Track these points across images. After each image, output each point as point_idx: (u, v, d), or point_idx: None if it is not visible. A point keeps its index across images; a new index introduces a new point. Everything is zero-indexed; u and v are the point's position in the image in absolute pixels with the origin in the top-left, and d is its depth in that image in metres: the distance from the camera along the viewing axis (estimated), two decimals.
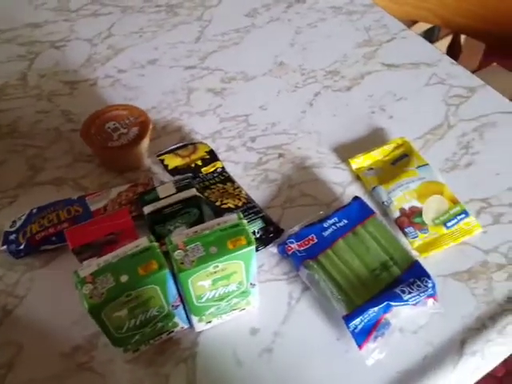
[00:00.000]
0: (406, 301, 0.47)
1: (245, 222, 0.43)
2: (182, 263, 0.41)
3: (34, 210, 0.58)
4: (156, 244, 0.42)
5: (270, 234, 0.56)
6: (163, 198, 0.51)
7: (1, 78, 0.76)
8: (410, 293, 0.47)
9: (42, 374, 0.48)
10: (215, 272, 0.42)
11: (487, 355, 0.48)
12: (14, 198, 0.62)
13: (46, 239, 0.55)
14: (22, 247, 0.55)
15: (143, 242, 0.42)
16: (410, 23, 0.93)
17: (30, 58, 0.79)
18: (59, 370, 0.48)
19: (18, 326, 0.51)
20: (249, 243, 0.42)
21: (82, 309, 0.50)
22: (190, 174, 0.56)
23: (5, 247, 0.56)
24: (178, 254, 0.41)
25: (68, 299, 0.51)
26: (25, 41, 0.82)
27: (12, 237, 0.57)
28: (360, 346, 0.46)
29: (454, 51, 1.05)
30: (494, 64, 1.05)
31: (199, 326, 0.48)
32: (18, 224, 0.58)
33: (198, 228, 0.43)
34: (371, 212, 0.54)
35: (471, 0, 0.93)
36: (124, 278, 0.40)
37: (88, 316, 0.50)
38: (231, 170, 0.63)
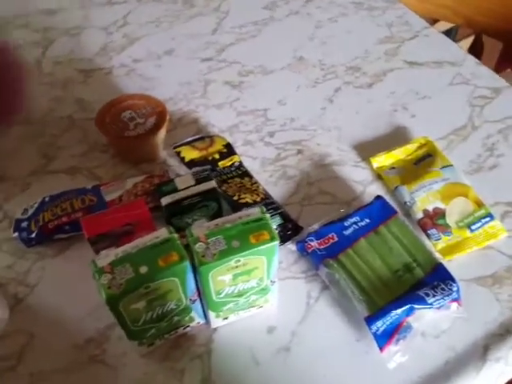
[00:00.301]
0: (430, 304, 0.46)
1: (268, 216, 0.43)
2: (204, 256, 0.40)
3: (47, 198, 0.58)
4: (176, 235, 0.42)
5: (288, 231, 0.55)
6: (181, 190, 0.50)
7: None
8: (434, 296, 0.46)
9: (53, 365, 0.48)
10: (236, 266, 0.42)
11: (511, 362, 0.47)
12: (27, 186, 0.62)
13: (58, 228, 0.55)
14: (33, 235, 0.55)
15: (163, 233, 0.42)
16: (430, 23, 0.92)
17: (45, 45, 0.79)
18: (70, 361, 0.48)
19: (29, 315, 0.51)
20: (272, 238, 0.41)
21: (96, 300, 0.49)
22: (209, 166, 0.56)
23: (16, 234, 0.56)
24: (199, 247, 0.41)
25: (81, 290, 0.51)
26: (39, 27, 0.82)
27: (24, 224, 0.56)
28: (381, 348, 0.45)
29: (475, 52, 1.04)
30: (508, 70, 1.05)
31: (216, 321, 0.48)
32: (30, 212, 0.57)
33: (219, 221, 0.42)
34: (394, 212, 0.54)
35: None
36: (143, 269, 0.40)
37: (101, 308, 0.49)
38: (248, 164, 0.63)
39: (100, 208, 0.55)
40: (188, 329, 0.48)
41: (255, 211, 0.43)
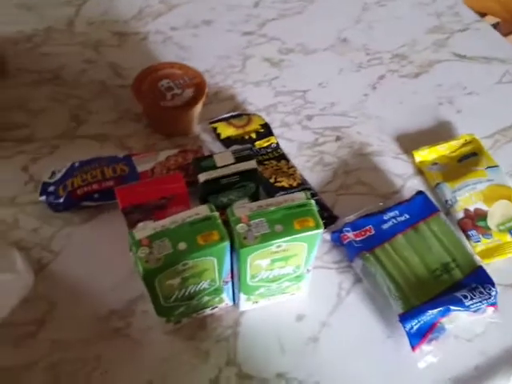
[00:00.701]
0: (468, 307, 0.46)
1: (313, 202, 0.42)
2: (245, 238, 0.40)
3: (77, 164, 0.57)
4: (217, 214, 0.41)
5: (323, 220, 0.54)
6: (220, 167, 0.50)
7: (46, 21, 0.75)
8: (472, 299, 0.46)
9: (75, 335, 0.48)
10: (277, 252, 0.41)
11: None
12: (54, 149, 0.62)
13: (88, 195, 0.54)
14: (61, 200, 0.55)
15: (203, 210, 0.41)
16: None
17: (78, 4, 0.77)
18: (93, 332, 0.48)
19: (52, 282, 0.51)
20: (317, 225, 0.41)
21: (121, 272, 0.50)
22: (250, 145, 0.55)
23: (43, 198, 0.55)
24: (241, 228, 0.40)
25: (106, 260, 0.51)
26: None
27: (51, 188, 0.56)
28: (414, 347, 0.45)
29: None
30: None
31: (245, 305, 0.48)
32: (58, 176, 0.57)
33: (262, 203, 0.42)
34: (435, 209, 0.53)
35: None
36: (182, 246, 0.39)
37: (126, 280, 0.50)
38: (285, 147, 0.62)
39: (132, 178, 0.55)
40: (216, 310, 0.48)
41: (300, 196, 0.42)
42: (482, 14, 1.09)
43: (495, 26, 1.29)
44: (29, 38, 0.72)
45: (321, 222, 0.41)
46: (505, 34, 1.23)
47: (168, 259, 0.39)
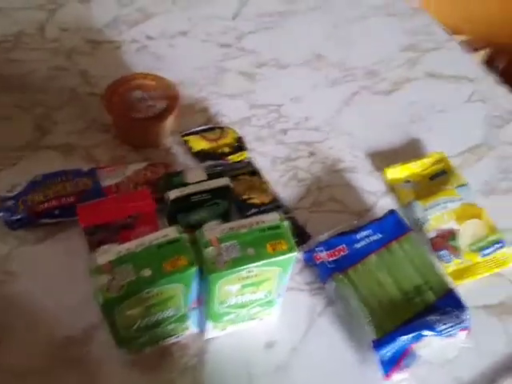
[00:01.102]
0: (440, 332, 0.43)
1: (287, 224, 0.38)
2: (214, 263, 0.35)
3: (39, 178, 0.51)
4: (186, 236, 0.37)
5: (295, 239, 0.50)
6: (191, 184, 0.45)
7: (16, 24, 0.68)
8: (444, 324, 0.43)
9: (27, 363, 0.42)
10: (247, 277, 0.37)
11: None
12: (17, 160, 0.55)
13: (47, 212, 0.48)
14: (19, 217, 0.48)
15: (171, 232, 0.37)
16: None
17: (51, 9, 0.71)
18: (47, 362, 0.42)
19: (5, 306, 0.45)
20: (290, 249, 0.37)
21: (80, 294, 0.44)
22: (223, 161, 0.50)
23: (0, 214, 0.49)
24: (210, 252, 0.36)
25: (64, 282, 0.45)
26: None
27: (10, 203, 0.49)
28: (387, 375, 0.41)
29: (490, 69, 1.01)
30: None
31: (212, 332, 0.43)
32: (18, 189, 0.51)
33: (234, 224, 0.37)
34: (408, 229, 0.50)
35: None
36: (147, 272, 0.34)
37: (86, 304, 0.44)
38: (258, 162, 0.58)
39: (95, 194, 0.49)
40: (181, 337, 0.43)
41: (273, 217, 0.38)
42: (453, 32, 1.08)
43: (464, 43, 1.29)
44: None
45: (294, 245, 0.37)
46: (473, 50, 1.22)
47: (131, 287, 0.34)
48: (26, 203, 0.49)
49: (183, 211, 0.45)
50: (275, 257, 0.36)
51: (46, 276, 0.46)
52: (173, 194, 0.44)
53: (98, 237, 0.42)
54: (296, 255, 0.37)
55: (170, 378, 0.42)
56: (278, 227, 0.37)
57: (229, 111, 0.63)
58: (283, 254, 0.36)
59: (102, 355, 0.42)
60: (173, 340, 0.43)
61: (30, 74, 0.63)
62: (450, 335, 0.43)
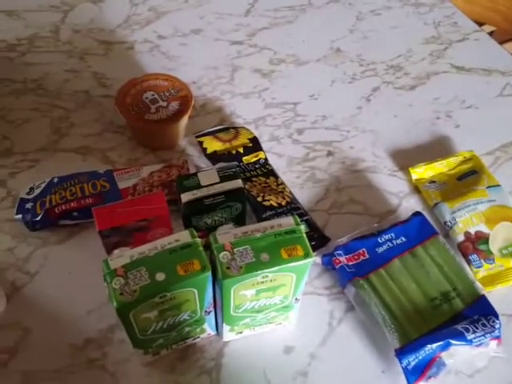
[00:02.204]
0: (470, 341, 0.42)
1: (303, 228, 0.38)
2: (228, 268, 0.36)
3: (56, 179, 0.53)
4: (199, 241, 0.37)
5: (313, 242, 0.51)
6: (204, 187, 0.46)
7: (31, 27, 0.71)
8: (474, 332, 0.42)
9: (47, 365, 0.44)
10: (262, 282, 0.37)
11: None
12: (34, 163, 0.58)
13: (66, 213, 0.50)
14: (38, 218, 0.51)
15: (184, 236, 0.37)
16: None
17: (65, 10, 0.73)
18: (66, 363, 0.44)
19: (26, 307, 0.47)
20: (306, 255, 0.37)
21: (100, 296, 0.46)
22: (236, 163, 0.51)
23: (20, 216, 0.51)
24: (223, 257, 0.36)
25: (84, 283, 0.47)
26: None
27: (28, 205, 0.52)
28: None
29: None
30: None
31: (229, 335, 0.44)
32: (37, 192, 0.53)
33: (248, 229, 0.38)
34: (434, 232, 0.49)
35: None
36: (160, 277, 0.35)
37: (105, 306, 0.46)
38: (274, 162, 0.58)
39: (113, 195, 0.51)
40: (198, 340, 0.44)
41: (289, 221, 0.38)
42: (480, 24, 1.06)
43: (490, 34, 1.26)
44: (12, 46, 0.68)
45: (311, 251, 0.37)
46: (500, 43, 1.20)
47: (144, 291, 0.35)
48: (44, 205, 0.51)
49: (197, 214, 0.46)
50: (289, 262, 0.36)
51: (66, 277, 0.48)
52: (185, 198, 0.45)
53: (113, 239, 0.44)
54: (312, 261, 0.37)
55: (186, 382, 0.43)
56: (293, 232, 0.38)
57: (243, 111, 0.63)
58: (298, 259, 0.37)
59: (121, 356, 0.44)
60: (190, 342, 0.44)
61: (45, 76, 0.66)
62: (480, 344, 0.43)
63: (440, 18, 0.76)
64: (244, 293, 0.38)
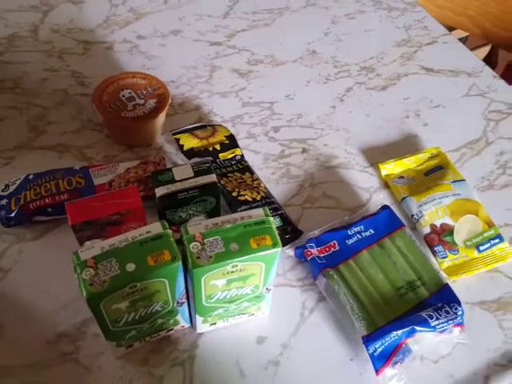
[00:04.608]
0: (433, 327, 0.43)
1: (272, 219, 0.38)
2: (198, 258, 0.36)
3: (31, 176, 0.52)
4: (170, 232, 0.37)
5: (287, 235, 0.51)
6: (178, 181, 0.46)
7: (10, 27, 0.70)
8: (437, 319, 0.43)
9: (21, 360, 0.43)
10: (232, 272, 0.38)
11: None
12: (10, 160, 0.57)
13: (41, 209, 0.50)
14: (13, 215, 0.50)
15: (155, 227, 0.37)
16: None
17: (44, 11, 0.73)
18: (40, 357, 0.43)
19: (0, 303, 0.46)
20: (274, 244, 0.37)
21: (73, 292, 0.45)
22: (210, 159, 0.51)
23: None
24: (194, 247, 0.36)
25: (58, 279, 0.47)
26: None
27: (3, 202, 0.51)
28: (378, 371, 0.42)
29: (489, 65, 1.01)
30: None
31: (202, 326, 0.44)
32: (12, 188, 0.52)
33: (218, 220, 0.38)
34: (401, 224, 0.50)
35: None
36: (130, 267, 0.35)
37: (78, 301, 0.45)
38: (250, 159, 0.58)
39: (88, 192, 0.50)
40: (171, 332, 0.44)
41: (258, 213, 0.39)
42: (451, 29, 1.08)
43: (464, 40, 1.29)
44: None
45: (279, 241, 0.37)
46: (471, 49, 1.22)
47: (114, 281, 0.35)
48: (19, 201, 0.50)
49: (172, 208, 0.46)
50: (258, 252, 0.37)
51: (39, 273, 0.48)
52: (159, 192, 0.45)
53: (86, 233, 0.43)
54: (279, 251, 0.37)
55: (159, 374, 0.42)
56: (262, 222, 0.38)
57: (221, 109, 0.64)
58: (267, 249, 0.37)
59: (94, 350, 0.43)
60: (164, 335, 0.44)
61: (23, 75, 0.65)
62: (444, 331, 0.44)
63: (411, 22, 0.77)
64: (215, 282, 0.38)
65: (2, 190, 0.52)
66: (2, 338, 0.44)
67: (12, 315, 0.45)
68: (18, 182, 0.52)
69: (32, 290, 0.47)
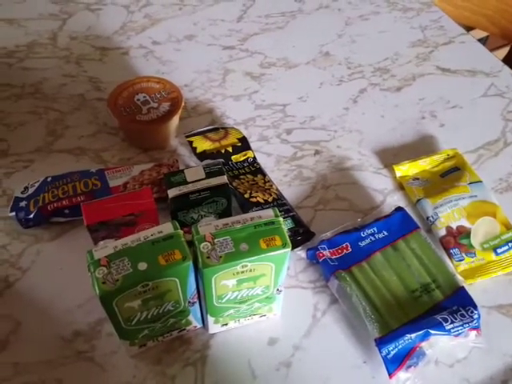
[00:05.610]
0: (448, 331, 0.42)
1: (281, 220, 0.39)
2: (209, 257, 0.37)
3: (49, 179, 0.54)
4: (181, 232, 0.38)
5: (298, 237, 0.51)
6: (190, 182, 0.47)
7: (30, 34, 0.73)
8: (452, 322, 0.42)
9: (37, 357, 0.44)
10: (242, 272, 0.38)
11: None
12: (29, 163, 0.59)
13: (58, 211, 0.51)
14: (31, 216, 0.52)
15: (167, 228, 0.38)
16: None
17: (63, 18, 0.75)
18: (56, 355, 0.44)
19: (17, 301, 0.48)
20: (284, 245, 0.37)
21: (89, 291, 0.46)
22: (222, 160, 0.52)
23: (13, 214, 0.52)
24: (204, 247, 0.37)
25: (74, 279, 0.48)
26: None
27: (22, 204, 0.53)
28: (391, 374, 0.41)
29: (509, 64, 0.99)
30: None
31: (214, 327, 0.44)
32: (30, 191, 0.54)
33: (228, 220, 0.38)
34: (415, 226, 0.50)
35: None
36: (142, 266, 0.36)
37: (93, 300, 0.46)
38: (263, 161, 0.59)
39: (103, 193, 0.52)
40: (183, 332, 0.45)
41: (268, 213, 0.39)
42: (469, 29, 1.07)
43: (484, 40, 1.27)
44: (11, 53, 0.70)
45: (288, 241, 0.38)
46: (492, 49, 1.20)
47: (126, 280, 0.36)
48: (37, 203, 0.52)
49: (184, 209, 0.47)
50: (268, 252, 0.37)
51: (58, 272, 0.49)
52: (172, 193, 0.46)
53: (101, 233, 0.45)
54: (289, 251, 0.38)
55: (172, 373, 0.43)
56: (272, 223, 0.38)
57: (234, 112, 0.64)
58: (276, 249, 0.37)
59: (108, 349, 0.44)
60: (176, 335, 0.44)
61: (42, 81, 0.67)
62: (459, 334, 0.43)
63: (427, 22, 0.77)
64: (225, 282, 0.39)
65: (22, 192, 0.54)
66: (19, 335, 0.46)
67: (29, 313, 0.47)
68: (36, 185, 0.54)
69: (49, 289, 0.48)
